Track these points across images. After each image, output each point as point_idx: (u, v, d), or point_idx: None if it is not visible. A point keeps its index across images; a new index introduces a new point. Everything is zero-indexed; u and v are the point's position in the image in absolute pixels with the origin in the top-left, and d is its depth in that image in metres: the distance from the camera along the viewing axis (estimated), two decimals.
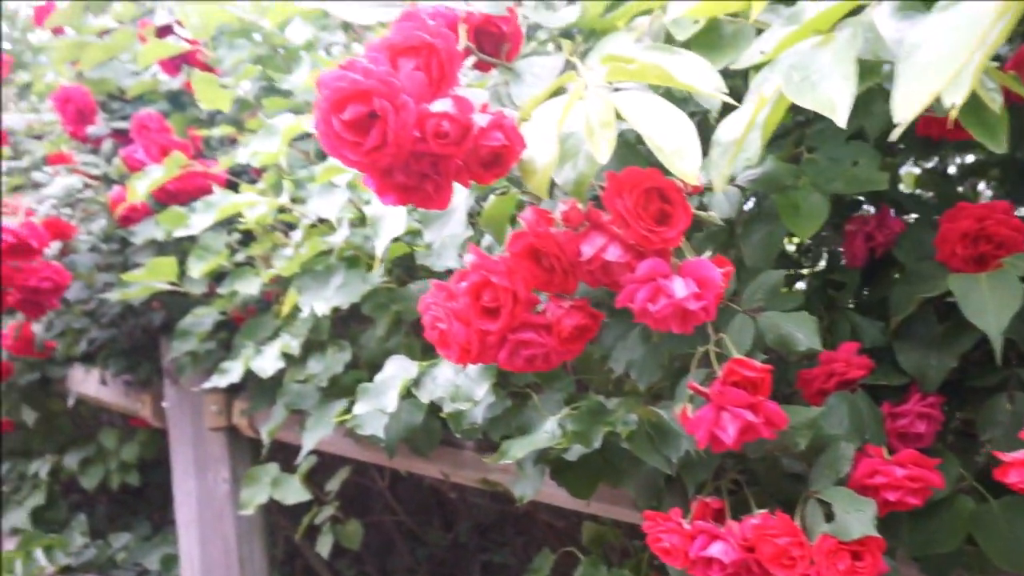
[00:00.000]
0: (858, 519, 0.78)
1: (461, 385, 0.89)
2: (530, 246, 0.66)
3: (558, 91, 0.76)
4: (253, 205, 1.00)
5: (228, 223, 1.36)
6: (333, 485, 1.67)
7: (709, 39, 0.97)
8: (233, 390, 1.73)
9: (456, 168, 0.58)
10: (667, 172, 0.67)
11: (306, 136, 1.20)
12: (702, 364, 0.82)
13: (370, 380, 1.34)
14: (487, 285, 0.67)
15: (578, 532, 1.53)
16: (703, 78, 0.74)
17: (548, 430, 0.90)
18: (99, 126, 1.68)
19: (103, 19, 1.55)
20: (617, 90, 0.78)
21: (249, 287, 1.30)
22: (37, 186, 1.64)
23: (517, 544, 2.39)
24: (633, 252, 0.65)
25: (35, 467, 2.22)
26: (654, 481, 1.02)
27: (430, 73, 0.56)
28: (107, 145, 1.65)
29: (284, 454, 1.89)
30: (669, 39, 1.00)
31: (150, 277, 1.29)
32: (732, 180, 0.84)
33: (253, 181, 1.51)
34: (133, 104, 1.80)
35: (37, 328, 1.71)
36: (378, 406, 0.90)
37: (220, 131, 1.45)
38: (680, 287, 0.65)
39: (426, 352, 1.33)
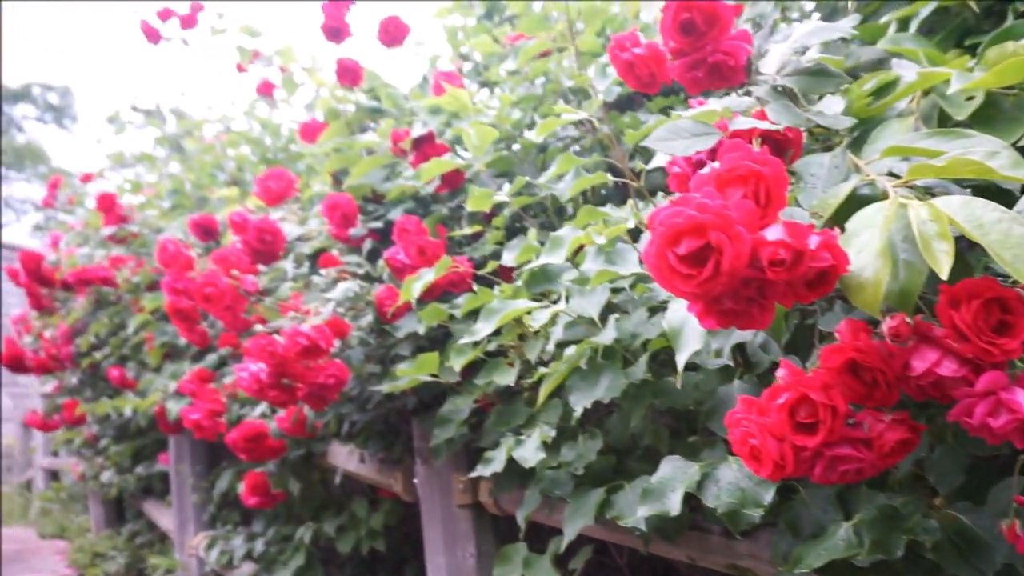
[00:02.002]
0: None
1: (747, 490, 0.85)
2: (849, 360, 0.62)
3: (852, 194, 0.72)
4: (531, 311, 1.02)
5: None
6: (577, 564, 1.64)
7: (988, 115, 0.89)
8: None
9: (782, 290, 0.56)
10: (1004, 279, 0.61)
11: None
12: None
13: (619, 465, 1.33)
14: (804, 400, 0.63)
15: None
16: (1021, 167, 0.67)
17: (843, 537, 0.83)
18: (358, 228, 1.82)
19: (368, 135, 1.69)
20: (911, 187, 0.73)
21: (505, 378, 1.32)
22: (307, 284, 1.79)
23: None
24: (970, 366, 0.59)
25: (300, 532, 2.37)
26: None
27: (758, 199, 0.54)
28: (367, 245, 1.77)
29: (516, 525, 1.91)
30: (942, 120, 0.93)
31: (417, 371, 1.35)
32: None
33: (495, 273, 1.56)
34: (384, 206, 1.94)
35: (309, 411, 1.85)
36: (661, 510, 0.88)
37: (470, 229, 1.52)
38: None
39: (674, 438, 1.29)
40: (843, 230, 0.64)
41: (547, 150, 1.72)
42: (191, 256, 1.51)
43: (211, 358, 2.34)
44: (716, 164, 0.55)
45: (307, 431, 1.95)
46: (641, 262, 0.97)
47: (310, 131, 2.33)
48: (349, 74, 1.89)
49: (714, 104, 0.68)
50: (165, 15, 3.10)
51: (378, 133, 1.68)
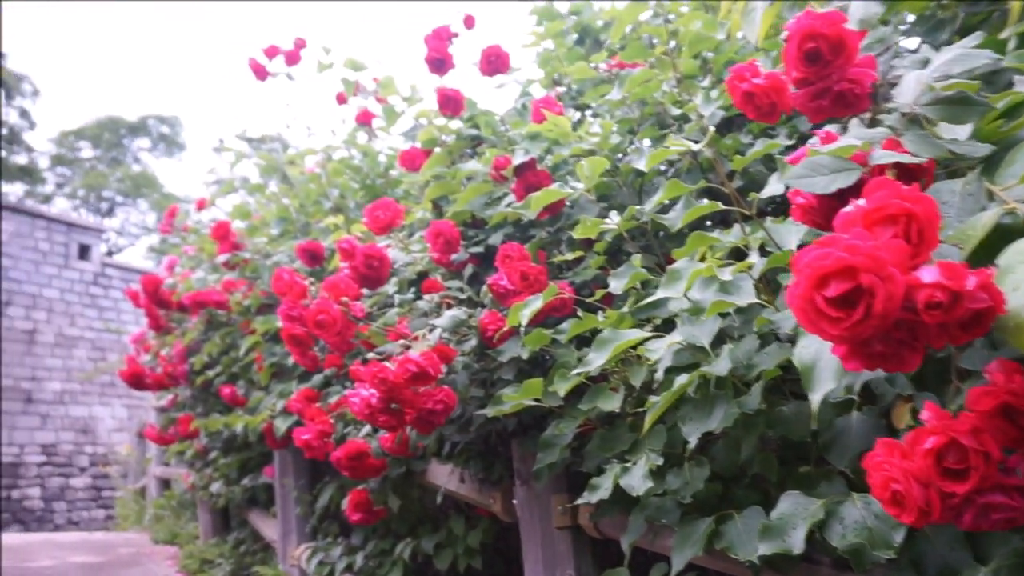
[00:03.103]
0: None
1: (875, 529, 0.80)
2: (1003, 403, 0.58)
3: (996, 226, 0.67)
4: (644, 341, 1.00)
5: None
6: None
7: None
8: (578, 491, 1.75)
9: (935, 333, 0.52)
10: None
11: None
12: None
13: (724, 493, 1.29)
14: (952, 445, 0.59)
15: None
16: None
17: None
18: (460, 253, 1.84)
19: (470, 163, 1.71)
20: None
21: (610, 404, 1.31)
22: (411, 309, 1.81)
23: None
24: None
25: (400, 548, 2.39)
26: None
27: (909, 238, 0.51)
28: (468, 270, 1.79)
29: (614, 548, 1.87)
30: None
31: (523, 396, 1.35)
32: None
33: (591, 295, 1.55)
34: (484, 231, 1.95)
35: (412, 432, 1.87)
36: (783, 547, 0.84)
37: (571, 255, 1.51)
38: None
39: (781, 466, 1.24)
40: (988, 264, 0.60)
41: (645, 174, 1.70)
42: (305, 284, 1.55)
43: (317, 378, 2.40)
44: (862, 201, 0.52)
45: (409, 451, 1.97)
46: (756, 291, 0.94)
47: (410, 158, 2.37)
48: (451, 103, 1.92)
49: (851, 138, 0.65)
50: (271, 52, 3.23)
51: (481, 161, 1.69)
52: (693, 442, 1.00)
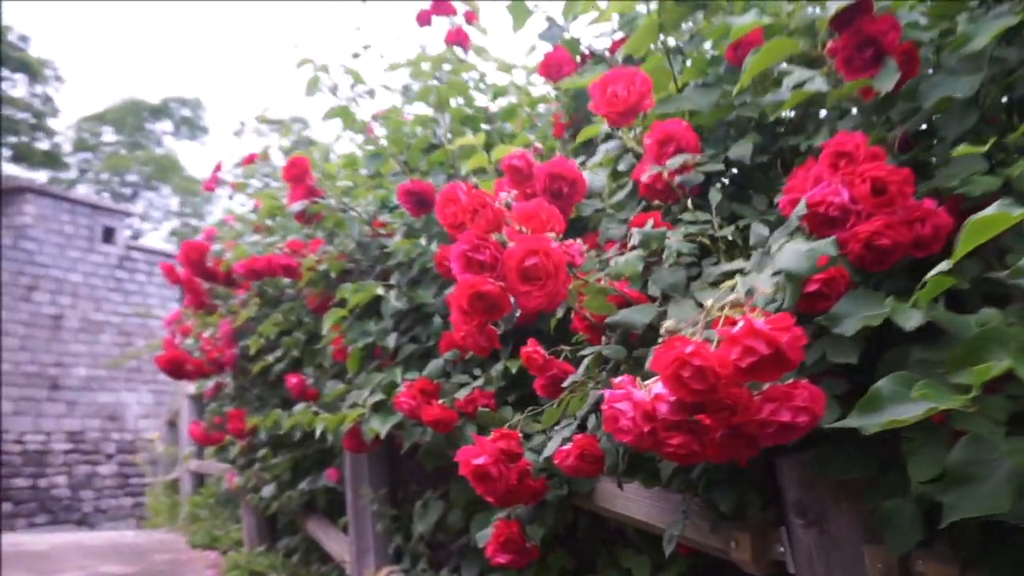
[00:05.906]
0: None
1: None
2: None
3: None
4: None
5: None
6: None
7: None
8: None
9: None
10: None
11: None
12: None
13: None
14: None
15: None
16: None
17: None
18: (691, 173, 1.18)
19: (747, 17, 1.04)
20: None
21: None
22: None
23: None
24: None
25: None
26: None
27: None
28: (714, 195, 1.12)
29: None
30: None
31: (955, 398, 0.68)
32: None
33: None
34: (707, 142, 1.29)
35: (607, 443, 1.22)
36: None
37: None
38: None
39: None
40: None
41: None
42: (500, 208, 0.89)
43: (434, 365, 1.74)
44: None
45: (598, 468, 1.33)
46: None
47: (555, 64, 1.72)
48: None
49: None
50: None
51: (769, 10, 1.02)
52: None
